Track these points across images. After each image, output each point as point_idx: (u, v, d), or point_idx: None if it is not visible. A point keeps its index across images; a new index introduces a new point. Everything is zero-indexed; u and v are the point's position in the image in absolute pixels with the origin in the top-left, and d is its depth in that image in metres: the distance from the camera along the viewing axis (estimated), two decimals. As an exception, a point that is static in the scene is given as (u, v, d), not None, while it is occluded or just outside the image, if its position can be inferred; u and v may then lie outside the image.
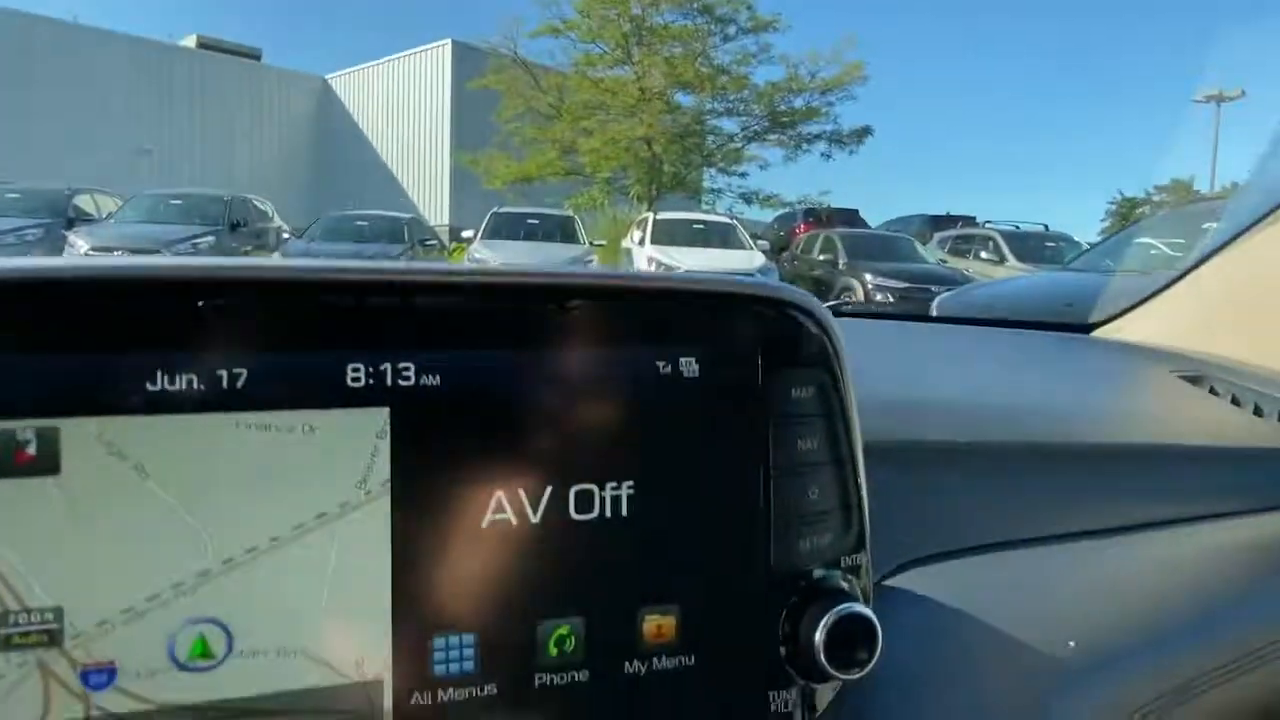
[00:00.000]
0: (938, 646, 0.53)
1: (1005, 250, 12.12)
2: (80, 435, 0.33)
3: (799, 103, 16.82)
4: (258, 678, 0.35)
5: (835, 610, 0.42)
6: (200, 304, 0.35)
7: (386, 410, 0.37)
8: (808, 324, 0.44)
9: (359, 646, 0.37)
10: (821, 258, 12.20)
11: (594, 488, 0.40)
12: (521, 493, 0.39)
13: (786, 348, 0.44)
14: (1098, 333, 1.22)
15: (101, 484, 0.33)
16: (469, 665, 0.38)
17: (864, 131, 17.58)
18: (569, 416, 0.40)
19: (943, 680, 0.51)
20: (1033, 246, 12.17)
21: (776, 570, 0.43)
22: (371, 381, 0.37)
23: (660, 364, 0.41)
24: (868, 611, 0.42)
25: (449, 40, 21.08)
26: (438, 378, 0.38)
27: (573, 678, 0.40)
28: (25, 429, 0.33)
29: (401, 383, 0.37)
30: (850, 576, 0.45)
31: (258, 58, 24.95)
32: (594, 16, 15.79)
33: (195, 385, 0.34)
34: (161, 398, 0.34)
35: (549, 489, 0.39)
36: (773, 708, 0.43)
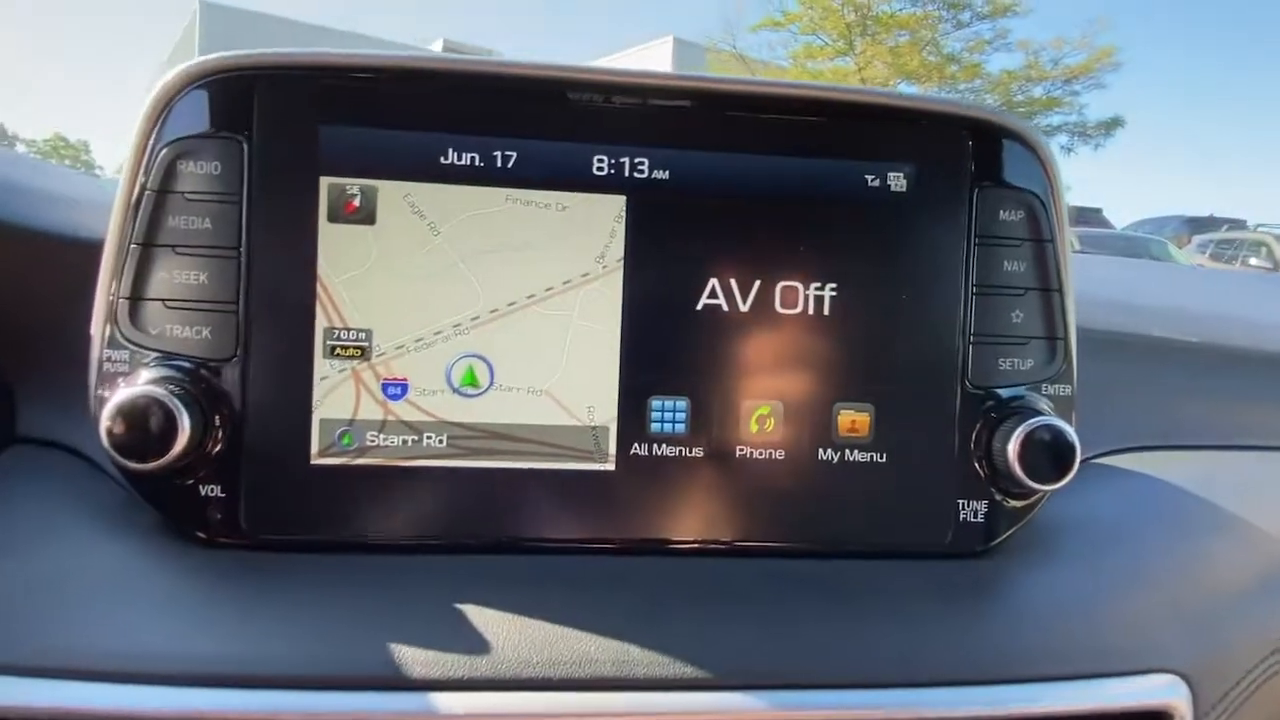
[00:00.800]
0: (1146, 509, 0.52)
1: (1281, 256, 10.57)
2: (391, 195, 0.42)
3: (1038, 91, 15.61)
4: (512, 409, 0.43)
5: (1029, 423, 0.43)
6: (481, 95, 0.42)
7: (623, 198, 0.43)
8: (1021, 149, 0.45)
9: (591, 396, 0.43)
10: (1053, 258, 11.23)
11: (799, 286, 0.44)
12: (733, 282, 0.44)
13: (997, 170, 0.45)
14: (1383, 287, 1.08)
15: (404, 236, 0.42)
16: (680, 427, 0.44)
17: (1113, 123, 15.99)
18: (778, 217, 0.44)
19: (1149, 541, 0.50)
20: (1318, 253, 10.51)
21: (974, 385, 0.45)
22: (612, 171, 0.43)
23: (869, 177, 0.44)
24: (1064, 424, 0.43)
25: (671, 36, 21.62)
26: (667, 172, 0.43)
27: (770, 454, 0.44)
28: (353, 186, 0.42)
29: (637, 175, 0.43)
30: (1050, 403, 0.46)
31: (495, 59, 27.01)
32: (817, 8, 15.52)
33: (477, 162, 0.42)
34: (451, 170, 0.42)
35: (757, 282, 0.44)
36: (962, 516, 0.45)
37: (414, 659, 0.36)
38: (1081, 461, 0.56)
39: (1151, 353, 0.63)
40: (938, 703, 0.38)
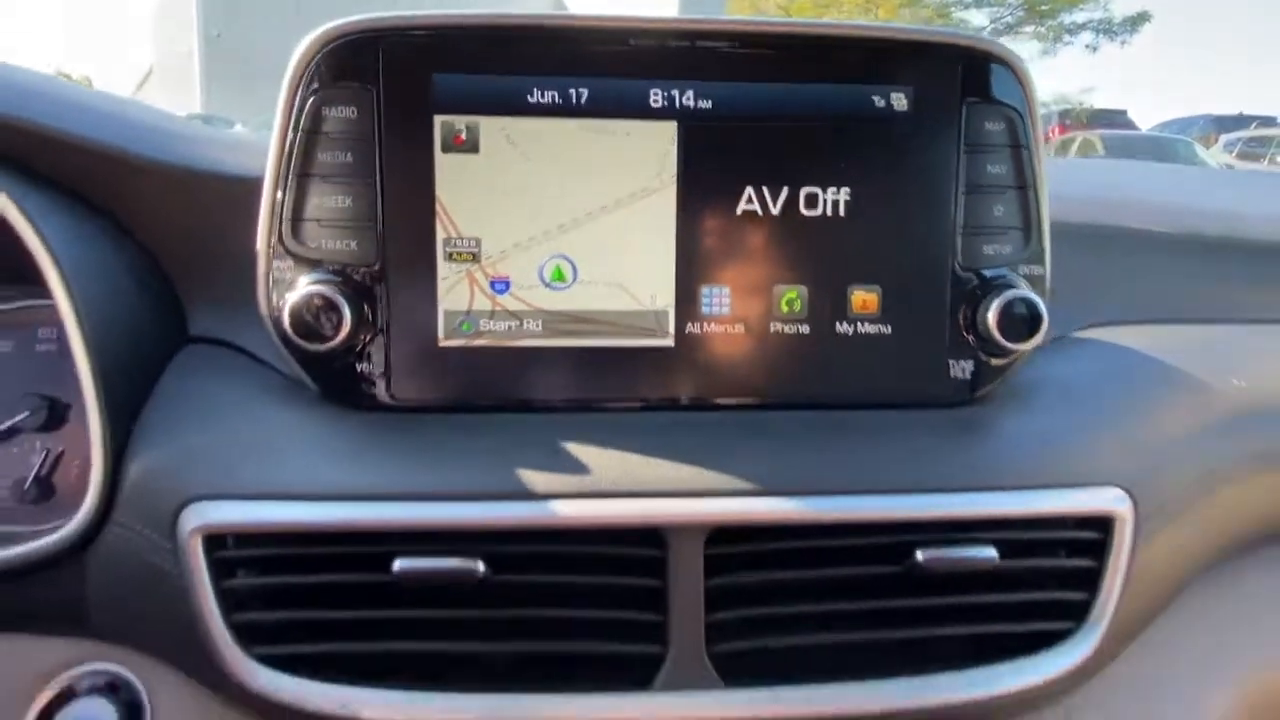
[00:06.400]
0: (1109, 369, 0.62)
1: (1312, 151, 10.33)
2: (491, 128, 0.52)
3: (1062, -12, 15.07)
4: (592, 298, 0.54)
5: (1005, 295, 0.54)
6: (559, 44, 0.52)
7: (675, 124, 0.53)
8: (1003, 70, 0.55)
9: (654, 286, 0.54)
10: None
11: (818, 191, 0.54)
12: (765, 189, 0.54)
13: (984, 89, 0.55)
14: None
15: (503, 162, 0.53)
16: (725, 309, 0.55)
17: (1139, 18, 15.47)
18: (802, 135, 0.54)
19: (1108, 392, 0.60)
20: (1351, 146, 10.26)
21: (963, 267, 0.56)
22: (666, 103, 0.53)
23: (876, 98, 0.54)
24: (1035, 296, 0.54)
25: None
26: (711, 101, 0.53)
27: (798, 329, 0.55)
28: (460, 122, 0.52)
29: (686, 104, 0.53)
30: (1026, 281, 0.56)
31: (500, -24, 26.23)
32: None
33: (556, 99, 0.52)
34: (537, 106, 0.52)
35: (785, 189, 0.54)
36: (953, 373, 0.56)
37: (532, 478, 0.48)
38: (1061, 336, 0.67)
39: (1127, 242, 0.73)
40: (942, 505, 0.50)
